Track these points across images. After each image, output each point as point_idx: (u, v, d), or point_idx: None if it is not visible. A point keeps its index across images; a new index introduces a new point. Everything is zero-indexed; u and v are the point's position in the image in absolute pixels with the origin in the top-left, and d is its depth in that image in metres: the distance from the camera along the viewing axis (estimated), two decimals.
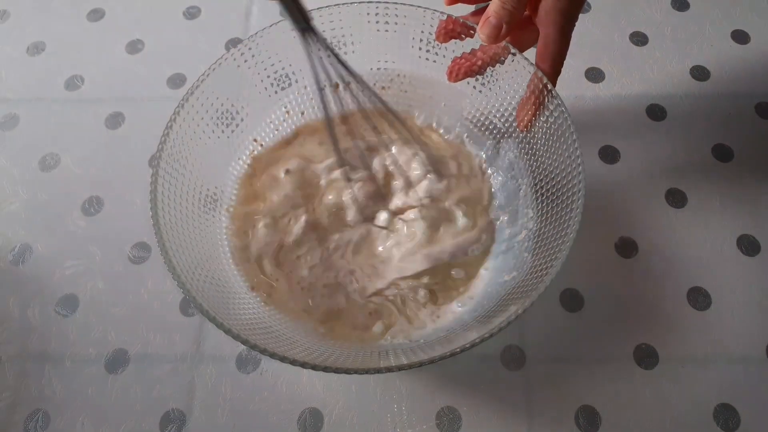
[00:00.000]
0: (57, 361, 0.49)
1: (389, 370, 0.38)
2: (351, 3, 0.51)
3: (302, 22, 0.44)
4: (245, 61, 0.50)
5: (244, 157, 0.54)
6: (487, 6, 0.45)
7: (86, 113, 0.61)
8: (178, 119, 0.47)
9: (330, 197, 0.52)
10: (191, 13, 0.66)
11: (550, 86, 0.45)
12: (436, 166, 0.52)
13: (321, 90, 0.48)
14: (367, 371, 0.39)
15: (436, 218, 0.51)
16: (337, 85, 0.51)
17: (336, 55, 0.47)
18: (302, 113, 0.56)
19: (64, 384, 0.49)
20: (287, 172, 0.53)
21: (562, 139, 0.46)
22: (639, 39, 0.63)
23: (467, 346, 0.38)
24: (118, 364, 0.49)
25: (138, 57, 0.65)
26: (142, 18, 0.67)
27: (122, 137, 0.60)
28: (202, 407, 0.48)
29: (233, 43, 0.64)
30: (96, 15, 0.67)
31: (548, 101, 0.46)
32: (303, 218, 0.51)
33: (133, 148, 0.59)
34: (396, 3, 0.51)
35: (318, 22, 0.51)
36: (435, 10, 0.50)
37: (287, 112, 0.55)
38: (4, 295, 0.52)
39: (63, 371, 0.49)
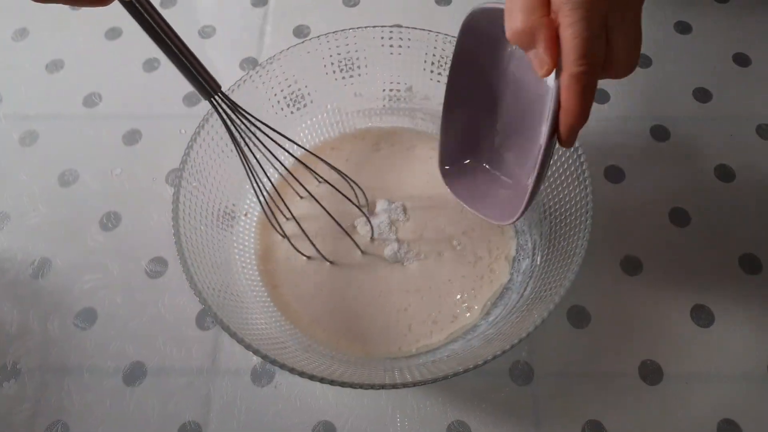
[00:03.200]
0: (76, 374, 0.51)
1: (404, 385, 0.40)
2: (365, 27, 0.52)
3: (208, 92, 0.41)
4: (263, 82, 0.52)
5: (261, 175, 0.55)
6: None
7: (104, 130, 0.63)
8: (199, 138, 0.49)
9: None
10: (206, 33, 0.68)
11: None
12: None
13: (240, 149, 0.45)
14: (380, 387, 0.40)
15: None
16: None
17: (246, 116, 0.45)
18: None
19: (82, 396, 0.50)
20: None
21: (570, 161, 0.48)
22: (643, 61, 0.65)
23: (480, 363, 0.39)
24: (136, 376, 0.50)
25: (154, 75, 0.66)
26: None
27: (139, 153, 0.61)
28: (218, 420, 0.49)
29: (247, 61, 0.66)
30: (113, 34, 0.69)
31: None
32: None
33: (150, 164, 0.60)
34: (408, 27, 0.52)
35: (333, 45, 0.53)
36: (446, 35, 0.52)
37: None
38: (24, 308, 0.53)
39: (82, 383, 0.50)
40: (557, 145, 0.38)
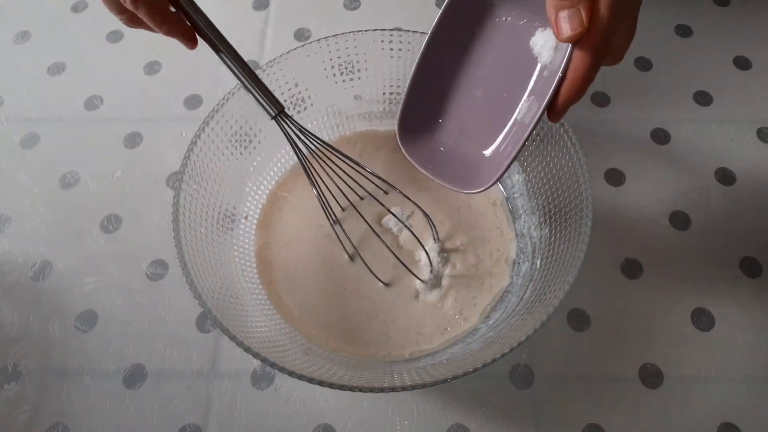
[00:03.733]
0: (76, 376, 0.51)
1: (404, 389, 0.40)
2: (365, 30, 0.52)
3: (273, 110, 0.45)
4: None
5: (261, 179, 0.56)
6: None
7: (105, 132, 0.63)
8: (199, 141, 0.49)
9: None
10: None
11: None
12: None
13: (305, 165, 0.48)
14: (380, 390, 0.40)
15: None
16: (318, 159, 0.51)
17: (311, 134, 0.48)
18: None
19: (82, 398, 0.50)
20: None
21: (570, 164, 0.48)
22: (644, 65, 0.65)
23: (479, 366, 0.39)
24: (136, 379, 0.50)
25: (155, 78, 0.66)
26: (159, 40, 0.68)
27: (140, 156, 0.61)
28: (217, 422, 0.49)
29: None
30: (115, 37, 0.69)
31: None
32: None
33: (151, 167, 0.60)
34: (408, 31, 0.53)
35: (333, 48, 0.53)
36: None
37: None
38: (24, 311, 0.53)
39: (82, 385, 0.50)
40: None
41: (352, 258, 0.53)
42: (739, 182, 0.58)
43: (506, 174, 0.55)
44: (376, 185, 0.53)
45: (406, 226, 0.52)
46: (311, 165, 0.49)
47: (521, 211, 0.54)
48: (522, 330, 0.42)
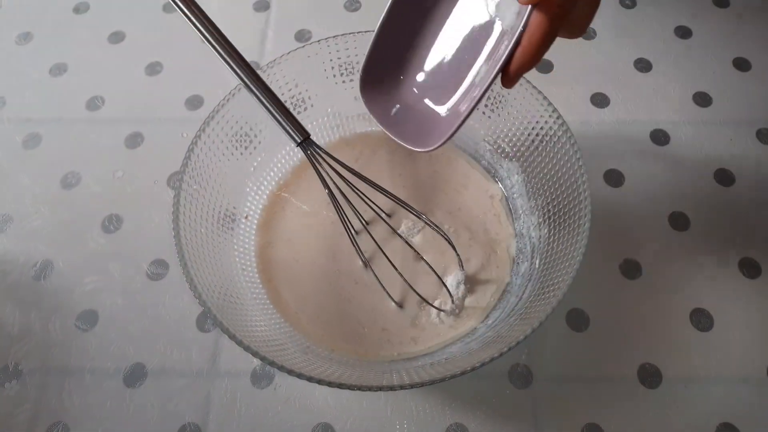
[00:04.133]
0: (77, 375, 0.51)
1: (402, 388, 0.40)
2: (366, 31, 0.53)
3: (299, 137, 0.46)
4: None
5: (261, 179, 0.56)
6: None
7: (106, 133, 0.63)
8: (200, 141, 0.49)
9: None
10: None
11: None
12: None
13: (331, 194, 0.48)
14: (379, 389, 0.40)
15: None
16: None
17: (339, 162, 0.48)
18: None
19: (83, 397, 0.50)
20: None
21: (569, 164, 0.48)
22: (643, 66, 0.65)
23: (478, 365, 0.39)
24: (136, 378, 0.51)
25: (157, 79, 0.67)
26: (160, 41, 0.69)
27: (141, 156, 0.62)
28: (217, 421, 0.49)
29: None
30: (116, 38, 0.70)
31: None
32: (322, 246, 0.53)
33: (152, 167, 0.61)
34: None
35: (333, 49, 0.53)
36: None
37: None
38: (26, 310, 0.54)
39: (82, 384, 0.50)
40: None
41: (366, 265, 0.53)
42: (738, 183, 0.58)
43: (506, 173, 0.55)
44: (397, 202, 0.51)
45: (431, 267, 0.50)
46: (337, 187, 0.49)
47: (520, 211, 0.54)
48: (521, 330, 0.42)
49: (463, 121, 0.41)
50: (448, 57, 0.45)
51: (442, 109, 0.45)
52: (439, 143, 0.42)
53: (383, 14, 0.44)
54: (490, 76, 0.39)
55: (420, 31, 0.45)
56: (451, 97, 0.45)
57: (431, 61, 0.46)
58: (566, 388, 0.49)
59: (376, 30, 0.44)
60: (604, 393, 0.49)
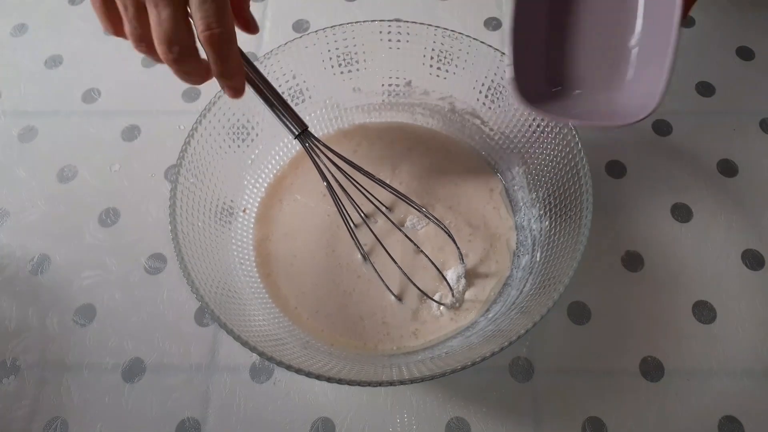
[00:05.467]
0: (75, 370, 0.51)
1: (402, 382, 0.40)
2: (364, 21, 0.52)
3: (296, 129, 0.46)
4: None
5: (259, 171, 0.55)
6: None
7: (103, 126, 0.63)
8: (196, 134, 0.49)
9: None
10: None
11: None
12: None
13: (329, 186, 0.48)
14: (378, 384, 0.40)
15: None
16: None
17: (337, 154, 0.48)
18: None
19: (81, 392, 0.50)
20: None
21: (570, 155, 0.47)
22: None
23: (478, 360, 0.39)
24: (135, 373, 0.50)
25: (153, 71, 0.66)
26: None
27: (138, 149, 0.61)
28: (216, 416, 0.49)
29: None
30: None
31: None
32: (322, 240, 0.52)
33: (149, 160, 0.60)
34: (407, 21, 0.52)
35: (332, 39, 0.53)
36: (445, 29, 0.51)
37: None
38: (23, 305, 0.53)
39: (81, 380, 0.50)
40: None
41: (365, 258, 0.52)
42: (741, 174, 0.57)
43: (506, 165, 0.54)
44: (396, 195, 0.50)
45: (431, 260, 0.50)
46: (335, 179, 0.49)
47: (521, 204, 0.53)
48: (522, 323, 0.41)
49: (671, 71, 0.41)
50: (595, 31, 0.44)
51: (622, 80, 0.44)
52: (656, 104, 0.43)
53: (511, 14, 0.42)
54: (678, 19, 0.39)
55: (554, 18, 0.44)
56: (622, 65, 0.44)
57: (579, 40, 0.45)
58: (567, 382, 0.49)
59: (508, 33, 0.42)
60: (605, 386, 0.49)
